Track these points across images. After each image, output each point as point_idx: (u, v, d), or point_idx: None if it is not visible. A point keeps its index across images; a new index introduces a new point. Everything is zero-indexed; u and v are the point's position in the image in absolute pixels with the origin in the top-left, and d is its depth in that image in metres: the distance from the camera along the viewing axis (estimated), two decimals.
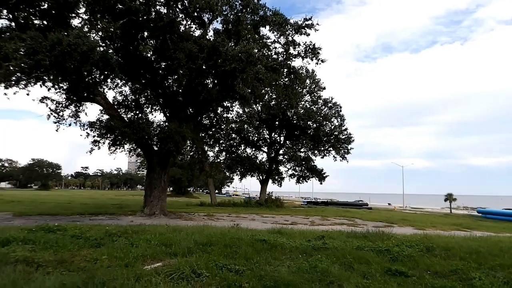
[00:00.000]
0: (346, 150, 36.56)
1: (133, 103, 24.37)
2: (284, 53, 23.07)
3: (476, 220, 32.40)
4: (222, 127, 35.45)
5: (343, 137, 36.41)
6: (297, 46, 22.45)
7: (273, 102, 35.13)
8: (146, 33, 21.98)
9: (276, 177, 38.80)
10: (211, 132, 34.69)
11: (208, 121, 31.66)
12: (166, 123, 22.95)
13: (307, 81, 35.05)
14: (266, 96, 33.78)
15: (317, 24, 20.95)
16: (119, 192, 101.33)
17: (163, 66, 22.65)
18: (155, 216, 19.60)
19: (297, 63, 30.30)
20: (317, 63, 21.98)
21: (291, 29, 21.52)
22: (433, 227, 22.12)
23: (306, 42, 22.28)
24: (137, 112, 23.45)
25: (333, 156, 36.97)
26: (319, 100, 36.11)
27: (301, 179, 38.77)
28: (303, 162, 37.78)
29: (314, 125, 35.39)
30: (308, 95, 36.25)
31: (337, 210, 35.52)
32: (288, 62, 24.03)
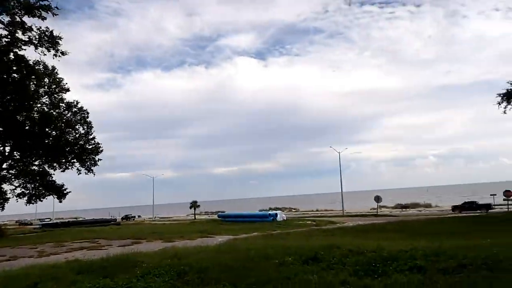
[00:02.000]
0: (93, 162, 32.51)
1: None
2: (9, 36, 17.88)
3: (218, 225, 35.60)
4: None
5: (90, 147, 32.09)
6: (28, 31, 17.83)
7: None
8: None
9: None
10: None
11: None
12: None
13: (46, 79, 28.86)
14: None
15: (57, 7, 17.30)
16: None
17: None
18: None
19: (32, 55, 24.27)
20: (55, 55, 18.21)
21: (19, 7, 16.80)
22: (181, 237, 22.17)
23: (41, 28, 18.04)
24: None
25: (77, 169, 32.05)
26: (61, 104, 30.50)
27: (34, 198, 31.40)
28: (38, 178, 30.86)
29: (54, 132, 29.59)
30: (46, 96, 30.02)
31: (80, 230, 30.77)
32: (15, 50, 18.82)
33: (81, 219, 60.97)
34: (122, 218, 60.38)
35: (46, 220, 59.13)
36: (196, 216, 65.36)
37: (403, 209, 50.65)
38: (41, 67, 27.35)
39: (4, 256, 16.34)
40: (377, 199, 42.92)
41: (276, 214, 37.79)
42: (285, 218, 38.65)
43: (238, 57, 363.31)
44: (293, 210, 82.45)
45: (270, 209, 54.03)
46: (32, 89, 27.48)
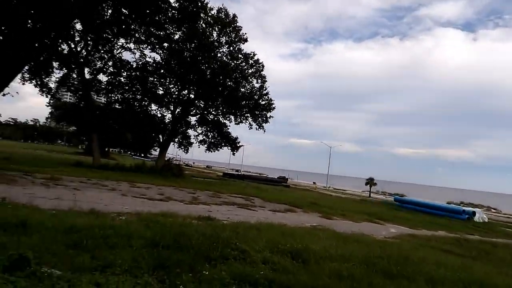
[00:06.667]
0: (264, 118, 31.50)
1: None
2: None
3: (391, 209, 30.17)
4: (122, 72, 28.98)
5: (264, 102, 31.05)
6: None
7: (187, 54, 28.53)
8: None
9: (183, 141, 32.73)
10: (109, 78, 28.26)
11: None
12: None
13: (227, 28, 28.46)
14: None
15: None
16: (21, 145, 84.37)
17: None
18: None
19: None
20: None
21: None
22: (342, 215, 18.59)
23: None
24: None
25: (249, 124, 31.73)
26: (239, 55, 30.03)
27: (212, 146, 33.04)
28: (216, 127, 31.99)
29: (231, 83, 29.65)
30: (227, 46, 30.00)
31: (246, 185, 30.89)
32: None
33: (255, 174, 64.72)
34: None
35: (233, 170, 64.91)
36: (371, 195, 59.72)
37: None
38: (222, 14, 27.26)
39: (161, 195, 16.48)
40: None
41: (474, 213, 28.97)
42: (486, 220, 29.44)
43: (440, 29, 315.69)
44: (493, 211, 65.78)
45: (462, 204, 43.22)
46: (215, 37, 27.95)
